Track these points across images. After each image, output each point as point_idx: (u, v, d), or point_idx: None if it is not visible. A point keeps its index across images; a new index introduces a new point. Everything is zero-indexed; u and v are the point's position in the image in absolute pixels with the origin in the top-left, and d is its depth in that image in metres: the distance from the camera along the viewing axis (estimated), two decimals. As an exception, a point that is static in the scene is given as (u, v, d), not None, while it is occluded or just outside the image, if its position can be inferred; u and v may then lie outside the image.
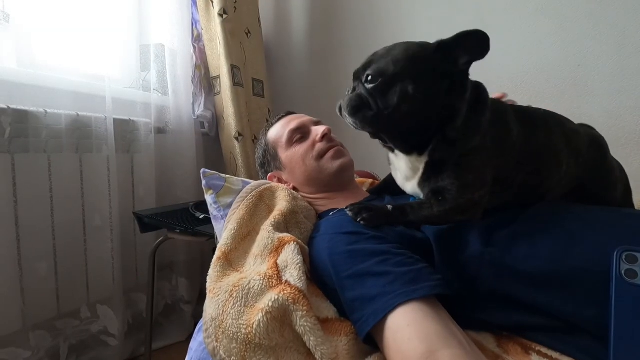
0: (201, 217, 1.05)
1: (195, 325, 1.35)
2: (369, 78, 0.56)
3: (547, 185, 0.62)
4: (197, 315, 1.40)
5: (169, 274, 1.38)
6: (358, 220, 0.59)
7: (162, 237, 1.10)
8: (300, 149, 0.81)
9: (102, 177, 1.13)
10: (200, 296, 1.47)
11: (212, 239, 0.95)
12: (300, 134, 0.82)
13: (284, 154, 0.83)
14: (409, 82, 0.53)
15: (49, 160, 1.02)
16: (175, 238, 1.06)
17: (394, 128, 0.57)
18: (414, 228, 0.61)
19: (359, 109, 0.56)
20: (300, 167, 0.80)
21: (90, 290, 1.12)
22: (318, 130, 0.82)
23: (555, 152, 0.61)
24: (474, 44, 0.53)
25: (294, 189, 0.82)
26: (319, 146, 0.80)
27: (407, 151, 0.59)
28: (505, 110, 0.59)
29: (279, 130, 0.86)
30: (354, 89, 0.60)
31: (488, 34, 0.52)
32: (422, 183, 0.59)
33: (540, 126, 0.62)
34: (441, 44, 0.54)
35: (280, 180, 0.85)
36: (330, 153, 0.80)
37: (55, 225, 1.03)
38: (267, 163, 0.87)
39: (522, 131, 0.58)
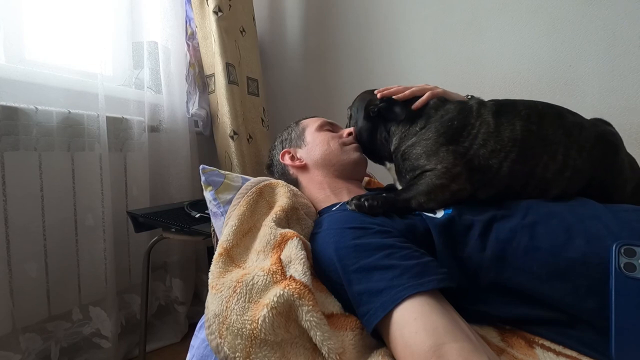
0: (197, 215, 1.04)
1: (190, 326, 1.35)
2: (349, 116, 0.89)
3: (542, 175, 0.63)
4: (192, 316, 1.39)
5: (163, 274, 1.36)
6: (362, 200, 0.63)
7: (157, 236, 1.09)
8: (328, 134, 0.87)
9: (94, 176, 1.11)
10: (195, 297, 1.45)
11: (208, 237, 0.94)
12: (331, 127, 0.91)
13: (311, 134, 0.88)
14: (360, 121, 0.83)
15: (40, 158, 0.99)
16: (171, 237, 1.04)
17: (364, 148, 0.85)
18: (415, 218, 0.62)
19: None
20: (322, 146, 0.84)
21: (82, 291, 1.09)
22: (346, 130, 0.90)
23: (545, 141, 0.63)
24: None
25: (304, 167, 0.85)
26: (345, 139, 0.86)
27: (378, 163, 0.85)
28: (467, 107, 0.69)
29: (312, 120, 0.93)
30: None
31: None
32: (400, 183, 0.74)
33: (523, 117, 0.64)
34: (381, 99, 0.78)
35: (292, 158, 0.87)
36: (353, 146, 0.85)
37: (46, 225, 1.01)
38: (287, 140, 0.91)
39: (494, 121, 0.65)
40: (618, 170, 0.67)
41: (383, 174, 0.97)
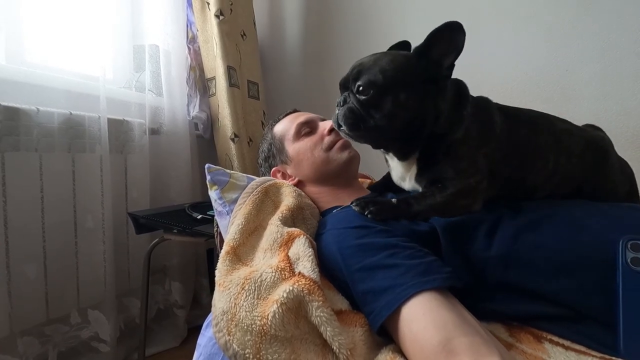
0: (198, 217, 1.04)
1: (189, 331, 1.34)
2: (360, 89, 0.58)
3: (533, 181, 0.63)
4: (191, 320, 1.38)
5: (162, 277, 1.35)
6: (365, 213, 0.59)
7: (157, 238, 1.08)
8: (308, 141, 0.81)
9: (94, 178, 1.10)
10: (194, 301, 1.43)
11: (210, 238, 0.94)
12: (308, 128, 0.84)
13: (291, 147, 0.83)
14: (401, 91, 0.56)
15: (41, 159, 0.99)
16: (172, 239, 1.04)
17: (391, 136, 0.60)
18: (421, 220, 0.61)
19: (357, 124, 0.59)
20: (309, 158, 0.80)
21: (80, 294, 1.08)
22: (325, 125, 0.83)
23: (540, 148, 0.63)
24: (446, 39, 0.56)
25: (299, 183, 0.82)
26: (328, 139, 0.81)
27: (403, 157, 0.63)
28: (487, 105, 0.63)
29: (286, 125, 0.86)
30: (344, 101, 0.62)
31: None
32: (419, 178, 0.62)
33: (523, 122, 0.64)
34: (418, 51, 0.58)
35: (284, 175, 0.84)
36: (339, 144, 0.81)
37: (45, 227, 1.00)
38: (271, 156, 0.87)
39: (505, 125, 0.62)
40: (608, 174, 0.68)
41: (380, 173, 0.97)
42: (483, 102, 0.64)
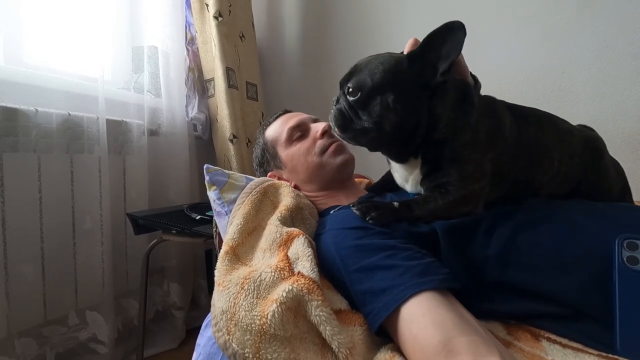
0: (197, 217, 1.04)
1: (187, 332, 1.33)
2: (350, 90, 0.59)
3: (540, 181, 0.63)
4: (189, 321, 1.37)
5: (160, 279, 1.34)
6: (367, 219, 0.59)
7: (156, 239, 1.08)
8: (301, 146, 0.80)
9: (93, 179, 1.10)
10: (192, 302, 1.43)
11: (209, 239, 0.94)
12: (300, 132, 0.82)
13: (284, 152, 0.82)
14: (389, 94, 0.56)
15: (39, 160, 0.99)
16: (171, 239, 1.04)
17: (380, 139, 0.60)
18: (422, 223, 0.61)
19: (346, 125, 0.60)
20: (302, 164, 0.79)
21: (78, 295, 1.08)
22: (317, 127, 0.82)
23: (547, 148, 0.63)
24: (444, 42, 0.54)
25: (295, 187, 0.81)
26: (320, 142, 0.79)
27: (400, 160, 0.64)
28: (496, 106, 0.63)
29: (277, 129, 0.85)
30: (337, 101, 0.63)
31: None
32: (423, 181, 0.62)
33: (532, 122, 0.64)
34: (412, 55, 0.56)
35: (280, 180, 0.83)
36: (332, 148, 0.79)
37: (43, 228, 1.00)
38: (266, 162, 0.86)
39: (514, 126, 0.61)
40: (604, 173, 0.68)
41: (379, 174, 0.97)
42: (490, 103, 0.64)
